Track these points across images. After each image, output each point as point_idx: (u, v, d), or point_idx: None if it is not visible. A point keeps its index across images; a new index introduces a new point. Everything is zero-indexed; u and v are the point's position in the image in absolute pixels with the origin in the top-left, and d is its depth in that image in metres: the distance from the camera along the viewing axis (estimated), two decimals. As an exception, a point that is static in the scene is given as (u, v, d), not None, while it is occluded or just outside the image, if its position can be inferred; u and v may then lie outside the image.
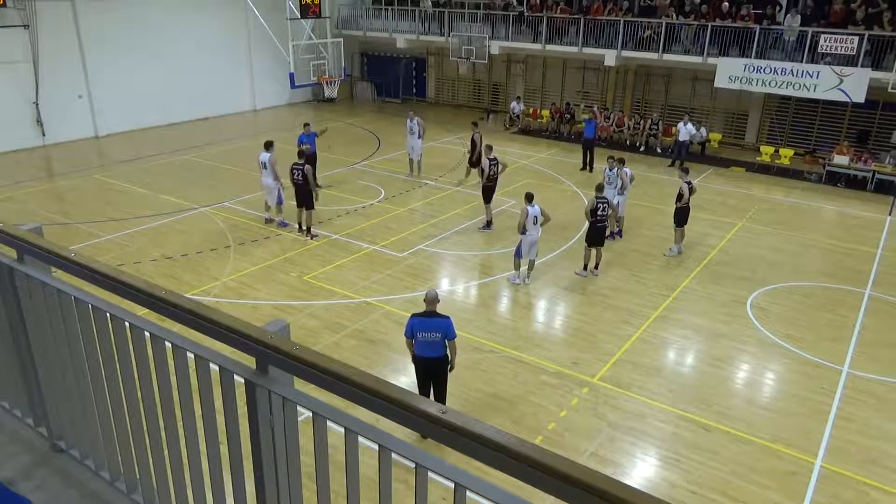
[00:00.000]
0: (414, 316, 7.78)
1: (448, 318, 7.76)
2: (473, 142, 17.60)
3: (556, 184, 18.74)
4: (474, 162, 17.32)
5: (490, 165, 14.71)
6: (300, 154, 14.10)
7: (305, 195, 13.97)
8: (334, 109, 29.00)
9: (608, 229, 14.33)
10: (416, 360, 7.86)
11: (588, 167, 20.08)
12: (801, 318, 11.41)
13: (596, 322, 11.13)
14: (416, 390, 7.82)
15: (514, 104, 26.18)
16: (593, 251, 12.70)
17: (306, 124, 17.06)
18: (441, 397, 8.04)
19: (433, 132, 23.24)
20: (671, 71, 24.19)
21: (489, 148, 15.06)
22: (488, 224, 15.04)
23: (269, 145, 14.48)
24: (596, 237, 12.58)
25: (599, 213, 12.38)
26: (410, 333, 7.71)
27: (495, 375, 9.45)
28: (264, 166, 14.30)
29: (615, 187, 14.31)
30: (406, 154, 19.16)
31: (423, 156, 18.94)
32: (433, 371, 7.90)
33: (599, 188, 12.71)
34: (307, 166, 13.81)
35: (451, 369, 7.96)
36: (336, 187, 17.77)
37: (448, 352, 7.76)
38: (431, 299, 7.79)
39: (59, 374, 2.59)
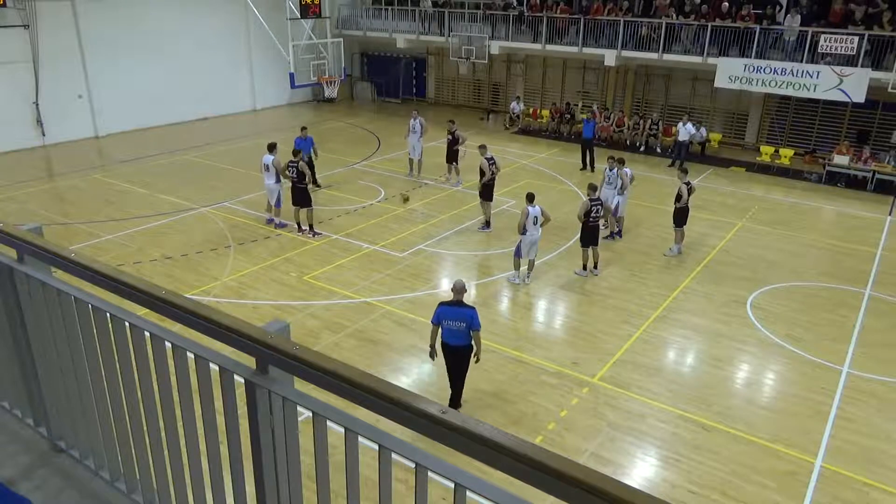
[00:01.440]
0: (442, 304, 8.12)
1: (473, 308, 8.08)
2: (458, 137, 17.71)
3: (557, 184, 18.73)
4: (455, 156, 18.00)
5: (489, 165, 14.70)
6: (295, 153, 14.09)
7: (301, 194, 13.98)
8: (334, 109, 29.00)
9: (608, 229, 14.39)
10: (442, 346, 8.18)
11: (590, 167, 20.06)
12: (801, 318, 11.41)
13: (596, 322, 11.13)
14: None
15: (513, 104, 26.17)
16: (590, 251, 12.70)
17: (304, 128, 16.82)
18: (459, 385, 8.44)
19: (433, 132, 23.17)
20: (671, 71, 24.18)
21: (484, 147, 15.10)
22: (487, 224, 15.04)
23: (272, 147, 14.46)
24: (590, 237, 12.58)
25: (593, 214, 12.39)
26: (437, 321, 8.03)
27: (496, 375, 9.45)
28: (267, 168, 14.27)
29: (615, 187, 14.32)
30: (406, 153, 19.15)
31: (424, 155, 18.94)
32: (455, 358, 8.24)
33: (592, 188, 12.69)
34: (301, 163, 13.81)
35: (476, 360, 8.25)
36: (336, 187, 17.78)
37: (473, 342, 8.06)
38: (459, 289, 8.12)
39: (59, 374, 2.59)
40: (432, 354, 8.31)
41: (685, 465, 7.79)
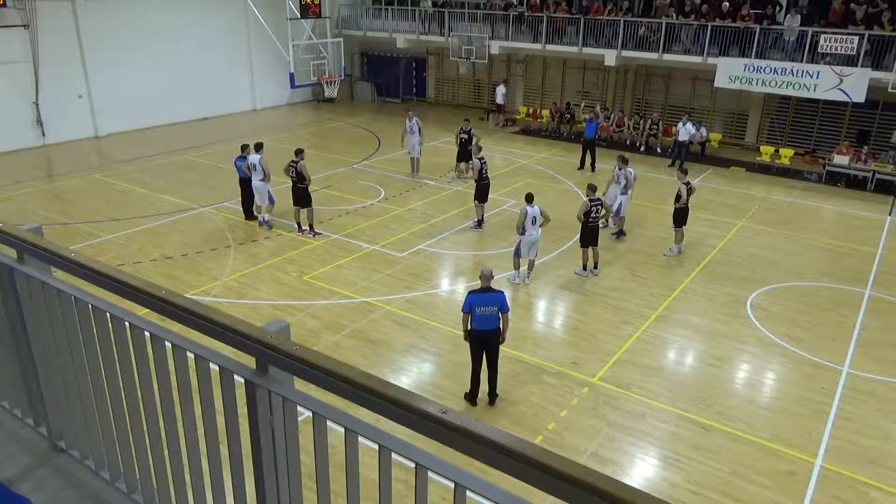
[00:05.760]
0: (471, 293, 8.44)
1: (502, 292, 8.52)
2: (473, 137, 17.61)
3: (556, 184, 18.73)
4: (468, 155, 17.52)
5: (482, 164, 14.69)
6: (297, 152, 14.06)
7: (301, 193, 13.96)
8: (334, 109, 29.00)
9: (615, 227, 14.44)
10: (472, 333, 8.44)
11: (591, 167, 20.03)
12: (801, 318, 11.41)
13: (596, 322, 11.13)
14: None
15: (499, 88, 25.78)
16: (590, 251, 12.70)
17: (245, 146, 14.64)
18: (494, 368, 8.68)
19: (433, 132, 23.26)
20: (671, 71, 24.18)
21: (478, 148, 15.13)
22: (479, 223, 15.02)
23: (259, 147, 14.43)
24: (590, 238, 12.58)
25: (593, 215, 12.40)
26: (469, 309, 8.33)
27: (495, 375, 9.44)
28: (254, 168, 14.23)
29: (621, 186, 14.34)
30: (406, 154, 19.13)
31: (423, 154, 18.91)
32: (488, 344, 8.51)
33: (592, 188, 12.70)
34: (301, 163, 13.80)
35: (502, 341, 8.58)
36: (335, 187, 17.77)
37: (500, 325, 8.42)
38: (487, 276, 8.52)
39: (59, 374, 2.59)
40: (466, 337, 8.58)
41: (685, 465, 7.79)
